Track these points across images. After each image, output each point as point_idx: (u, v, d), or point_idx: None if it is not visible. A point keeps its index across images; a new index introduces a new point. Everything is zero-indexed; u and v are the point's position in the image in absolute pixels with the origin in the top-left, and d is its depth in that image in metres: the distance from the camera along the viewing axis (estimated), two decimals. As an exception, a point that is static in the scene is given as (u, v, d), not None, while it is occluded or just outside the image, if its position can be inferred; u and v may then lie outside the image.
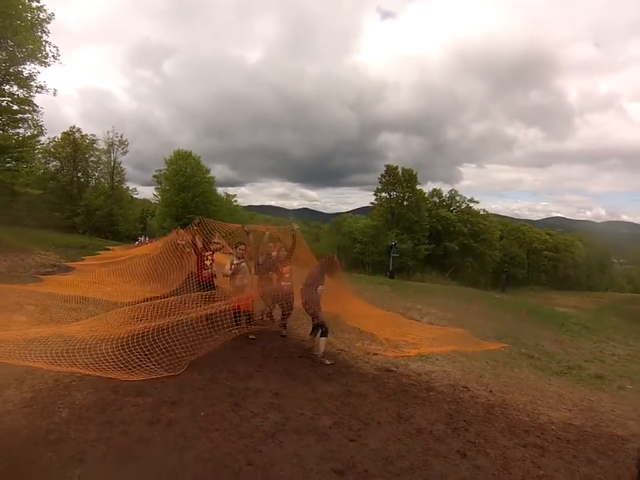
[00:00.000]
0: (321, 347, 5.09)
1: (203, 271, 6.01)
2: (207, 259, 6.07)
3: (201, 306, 4.70)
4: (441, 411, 3.82)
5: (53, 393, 3.40)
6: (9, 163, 15.92)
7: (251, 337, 5.56)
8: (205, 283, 5.92)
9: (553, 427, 3.74)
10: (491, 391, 4.58)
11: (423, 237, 43.05)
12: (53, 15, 15.78)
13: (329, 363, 4.94)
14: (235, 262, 5.74)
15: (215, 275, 6.18)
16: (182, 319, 4.38)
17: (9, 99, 16.06)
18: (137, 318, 4.39)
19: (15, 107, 16.37)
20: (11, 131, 16.75)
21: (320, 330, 5.14)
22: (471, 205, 46.59)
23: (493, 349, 6.42)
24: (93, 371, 3.73)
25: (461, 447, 3.12)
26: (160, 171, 37.23)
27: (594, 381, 5.57)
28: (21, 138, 16.57)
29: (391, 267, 29.15)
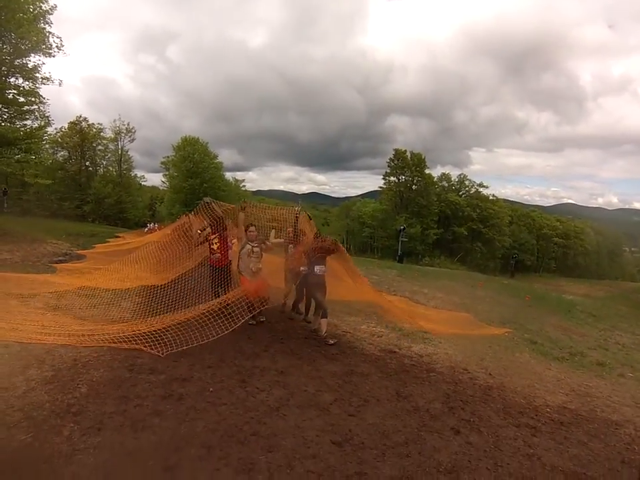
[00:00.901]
0: (323, 327, 5.31)
1: (212, 256, 5.89)
2: (213, 244, 5.85)
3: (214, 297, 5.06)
4: (439, 391, 3.97)
5: (72, 372, 3.63)
6: (17, 155, 16.11)
7: (261, 318, 5.68)
8: (215, 267, 5.81)
9: (548, 409, 3.86)
10: (490, 374, 4.70)
11: (431, 221, 42.87)
12: (56, 7, 15.79)
13: (332, 342, 5.12)
14: (250, 245, 5.50)
15: (229, 259, 6.05)
16: (197, 314, 4.55)
17: (15, 91, 16.15)
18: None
19: (22, 99, 16.47)
20: (19, 123, 16.87)
21: (320, 312, 5.37)
22: (480, 189, 46.25)
23: (497, 334, 6.55)
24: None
25: (455, 424, 3.27)
26: (168, 157, 37.45)
27: (595, 368, 5.64)
28: (28, 130, 16.69)
29: (399, 251, 29.20)
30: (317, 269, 5.40)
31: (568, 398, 4.24)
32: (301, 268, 5.61)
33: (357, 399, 3.57)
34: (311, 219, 6.56)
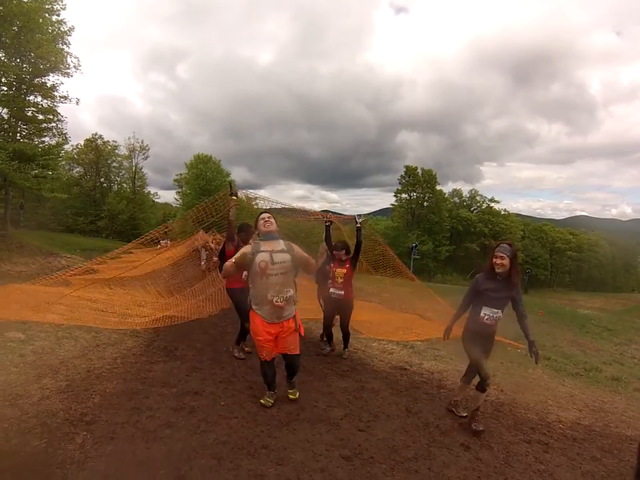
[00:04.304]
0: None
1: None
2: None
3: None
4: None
5: (86, 382, 3.73)
6: (35, 170, 16.59)
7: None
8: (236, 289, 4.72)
9: (561, 425, 3.79)
10: (501, 390, 4.63)
11: (443, 237, 42.68)
12: (74, 28, 16.49)
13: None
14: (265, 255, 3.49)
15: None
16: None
17: (34, 109, 16.75)
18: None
19: (40, 117, 17.07)
20: (37, 140, 17.47)
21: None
22: (492, 204, 46.02)
23: (509, 350, 6.47)
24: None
25: (465, 440, 3.24)
26: (180, 174, 38.12)
27: (610, 383, 5.51)
28: (46, 146, 17.26)
29: (411, 269, 29.07)
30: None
31: (581, 414, 4.15)
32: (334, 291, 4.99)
33: (367, 415, 3.57)
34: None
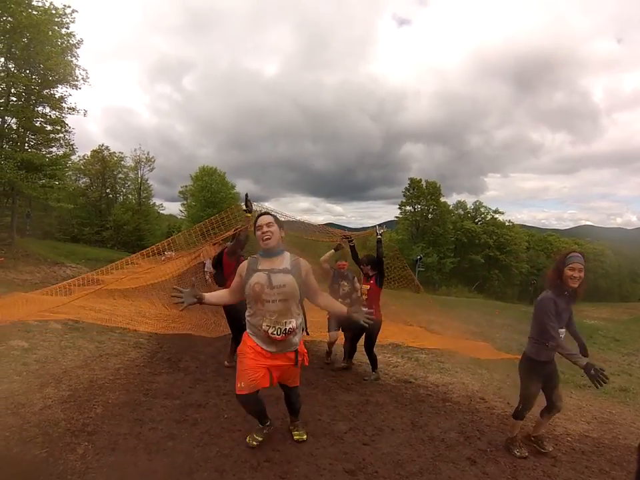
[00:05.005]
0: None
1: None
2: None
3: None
4: (455, 420, 3.87)
5: (88, 392, 3.72)
6: (42, 180, 16.88)
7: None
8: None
9: (569, 438, 3.72)
10: (508, 403, 4.56)
11: (448, 250, 42.55)
12: (82, 41, 16.90)
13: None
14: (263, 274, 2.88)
15: None
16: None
17: (43, 120, 17.11)
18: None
19: (49, 127, 17.41)
20: (44, 150, 17.80)
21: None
22: (496, 216, 45.91)
23: (515, 362, 6.38)
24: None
25: (471, 454, 3.18)
26: (186, 186, 38.36)
27: (618, 394, 5.44)
28: (54, 156, 17.60)
29: (415, 281, 28.90)
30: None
31: (590, 426, 4.09)
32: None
33: (371, 428, 3.52)
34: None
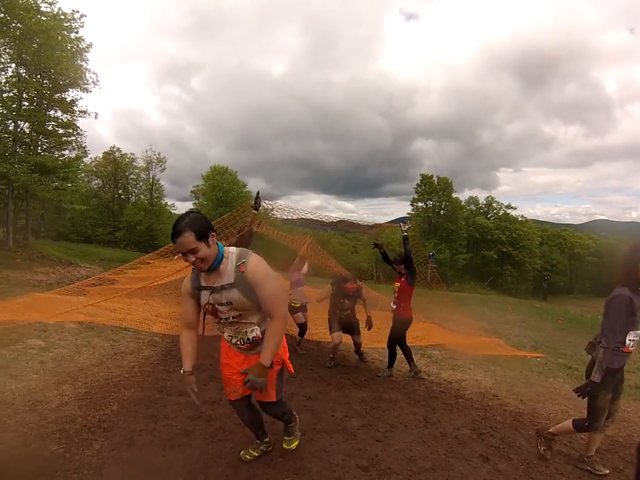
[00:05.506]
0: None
1: None
2: None
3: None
4: (468, 417, 3.85)
5: (104, 390, 3.79)
6: (55, 182, 17.19)
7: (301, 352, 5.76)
8: None
9: (583, 436, 3.67)
10: (521, 400, 4.53)
11: (460, 246, 42.06)
12: (92, 45, 17.12)
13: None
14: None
15: None
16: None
17: (54, 123, 17.36)
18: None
19: (60, 131, 17.69)
20: (57, 153, 18.10)
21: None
22: (509, 211, 45.18)
23: (529, 359, 6.33)
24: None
25: (484, 451, 3.16)
26: (197, 186, 38.48)
27: (633, 392, 5.32)
28: (66, 159, 17.88)
29: (428, 278, 28.70)
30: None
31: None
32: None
33: (384, 425, 3.52)
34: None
